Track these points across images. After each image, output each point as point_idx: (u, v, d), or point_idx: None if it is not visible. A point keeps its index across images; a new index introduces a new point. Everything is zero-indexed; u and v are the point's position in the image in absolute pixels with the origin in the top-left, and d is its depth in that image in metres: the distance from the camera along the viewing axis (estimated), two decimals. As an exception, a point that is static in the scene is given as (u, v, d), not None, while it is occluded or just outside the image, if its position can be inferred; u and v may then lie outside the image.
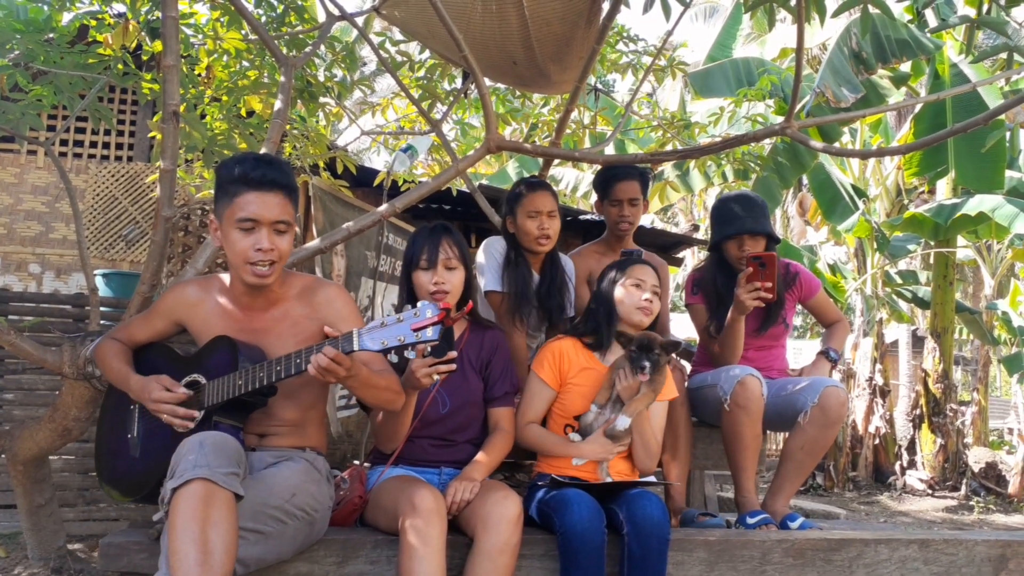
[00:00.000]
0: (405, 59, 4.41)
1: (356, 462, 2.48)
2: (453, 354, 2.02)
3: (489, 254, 3.05)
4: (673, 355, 2.64)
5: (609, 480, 2.43)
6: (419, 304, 1.86)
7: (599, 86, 5.76)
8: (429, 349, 2.02)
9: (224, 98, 3.97)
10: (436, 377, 2.08)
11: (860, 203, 8.34)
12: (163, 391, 2.07)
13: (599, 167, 3.53)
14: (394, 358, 1.90)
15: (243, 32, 3.86)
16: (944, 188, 8.67)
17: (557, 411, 2.56)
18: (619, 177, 3.28)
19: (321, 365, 1.88)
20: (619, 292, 2.59)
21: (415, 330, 1.83)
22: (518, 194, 3.01)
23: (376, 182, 5.17)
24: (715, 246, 3.07)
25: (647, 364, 2.42)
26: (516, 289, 2.94)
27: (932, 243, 8.67)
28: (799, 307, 3.22)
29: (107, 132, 8.44)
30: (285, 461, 2.11)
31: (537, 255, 3.03)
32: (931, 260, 9.07)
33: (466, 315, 2.47)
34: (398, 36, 4.32)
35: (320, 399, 2.29)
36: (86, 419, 2.85)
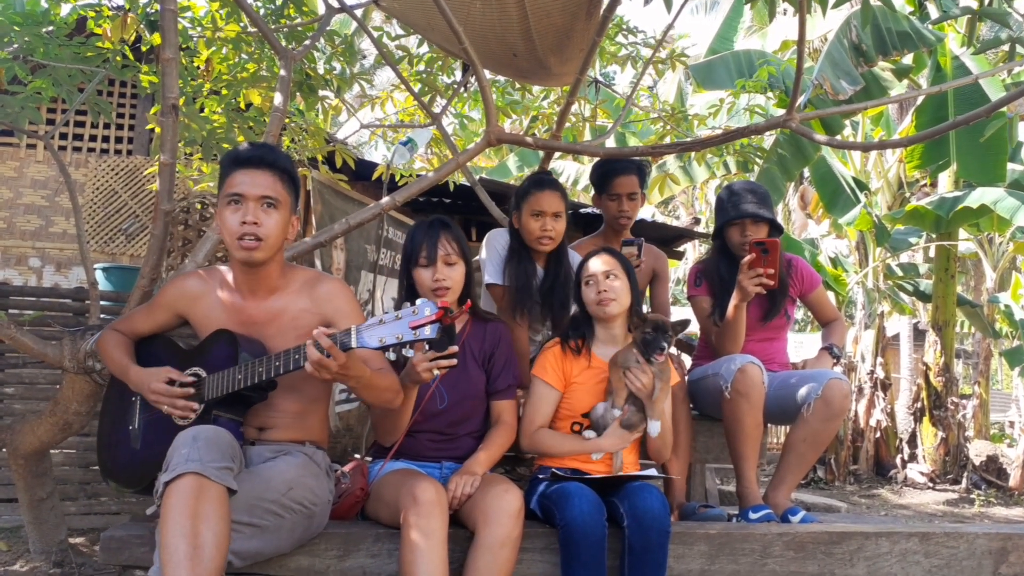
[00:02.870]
0: (404, 53, 4.39)
1: (357, 455, 2.48)
2: (454, 349, 2.02)
3: (491, 247, 3.03)
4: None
5: (620, 472, 2.43)
6: (418, 302, 1.85)
7: (599, 78, 5.74)
8: (427, 346, 2.01)
9: (223, 91, 3.96)
10: (436, 372, 2.08)
11: (862, 196, 8.31)
12: (162, 384, 2.07)
13: (597, 160, 3.51)
14: (392, 356, 1.89)
15: (242, 25, 3.85)
16: (946, 181, 8.64)
17: (564, 410, 2.55)
18: (617, 171, 3.27)
19: (313, 359, 1.87)
20: (583, 293, 2.60)
21: (413, 328, 1.82)
22: (525, 191, 2.96)
23: (375, 175, 5.15)
24: (718, 233, 3.10)
25: (664, 345, 2.43)
26: (517, 283, 2.91)
27: (934, 236, 8.65)
28: (798, 301, 3.22)
29: (106, 126, 8.41)
30: (283, 455, 2.11)
31: (538, 252, 3.01)
32: (932, 253, 9.05)
33: (465, 312, 2.47)
34: (397, 30, 4.30)
35: (323, 394, 2.28)
36: (87, 413, 2.85)
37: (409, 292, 2.48)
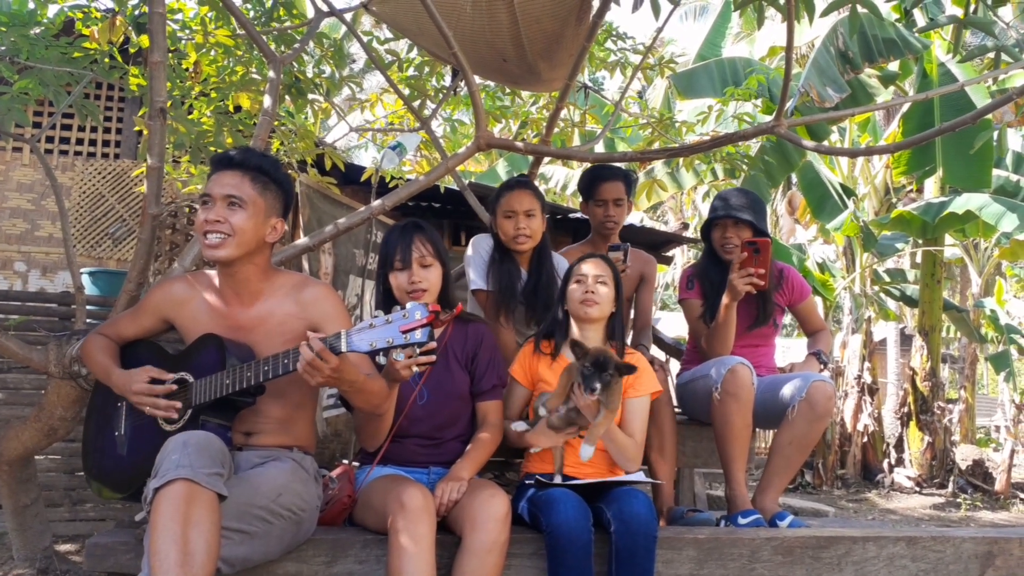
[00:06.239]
0: (394, 58, 4.39)
1: (345, 461, 2.47)
2: (432, 345, 2.01)
3: (476, 252, 3.05)
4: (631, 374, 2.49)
5: (560, 476, 2.43)
6: (408, 305, 1.85)
7: (589, 84, 5.76)
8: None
9: (212, 94, 3.95)
10: (416, 369, 2.06)
11: (849, 202, 8.37)
12: (143, 384, 2.06)
13: (585, 168, 3.53)
14: (382, 360, 1.88)
15: (231, 28, 3.84)
16: (932, 187, 8.71)
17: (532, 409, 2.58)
18: (604, 178, 3.31)
19: (307, 360, 1.86)
20: (569, 290, 2.62)
21: (404, 332, 1.82)
22: (497, 195, 3.01)
23: (364, 177, 5.14)
24: (706, 236, 3.16)
25: (598, 386, 2.30)
26: (501, 286, 2.93)
27: (920, 241, 8.71)
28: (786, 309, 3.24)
29: (93, 129, 8.37)
30: (272, 461, 2.10)
31: (520, 254, 3.02)
32: (919, 258, 9.12)
33: (455, 315, 2.47)
34: (387, 34, 4.30)
35: (309, 399, 2.27)
36: (72, 418, 2.83)
37: (386, 296, 2.47)
